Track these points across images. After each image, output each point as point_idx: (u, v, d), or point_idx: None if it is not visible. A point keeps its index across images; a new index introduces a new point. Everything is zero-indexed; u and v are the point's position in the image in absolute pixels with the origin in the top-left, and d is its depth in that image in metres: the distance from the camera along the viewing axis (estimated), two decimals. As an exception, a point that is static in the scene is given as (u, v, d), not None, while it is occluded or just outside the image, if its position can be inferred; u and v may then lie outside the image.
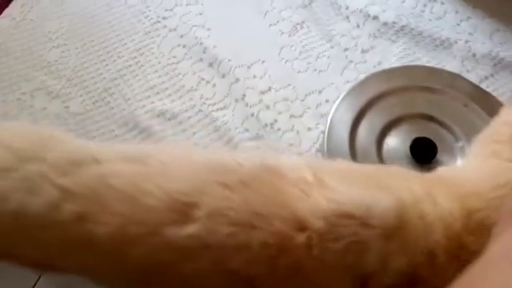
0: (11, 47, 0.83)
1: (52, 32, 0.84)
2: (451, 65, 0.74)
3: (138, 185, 0.39)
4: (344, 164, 0.48)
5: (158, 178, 0.39)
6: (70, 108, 0.76)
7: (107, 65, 0.80)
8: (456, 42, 0.75)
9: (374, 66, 0.75)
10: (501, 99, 0.69)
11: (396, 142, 0.68)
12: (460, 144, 0.66)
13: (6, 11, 0.88)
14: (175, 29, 0.82)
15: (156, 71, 0.79)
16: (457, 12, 0.79)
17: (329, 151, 0.67)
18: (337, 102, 0.71)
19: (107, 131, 0.74)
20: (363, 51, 0.77)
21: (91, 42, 0.83)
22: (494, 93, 0.70)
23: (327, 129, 0.69)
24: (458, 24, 0.77)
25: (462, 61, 0.74)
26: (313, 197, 0.38)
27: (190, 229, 0.37)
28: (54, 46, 0.83)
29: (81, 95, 0.77)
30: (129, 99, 0.76)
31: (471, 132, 0.67)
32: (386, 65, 0.75)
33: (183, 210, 0.37)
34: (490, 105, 0.68)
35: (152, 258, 0.38)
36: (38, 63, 0.81)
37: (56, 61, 0.81)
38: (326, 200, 0.38)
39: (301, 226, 0.37)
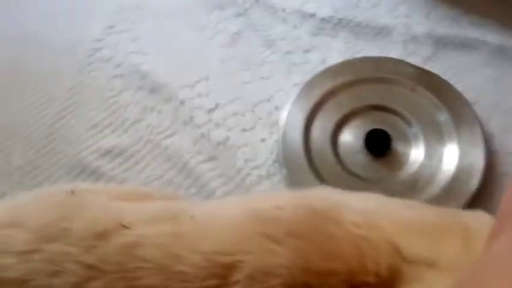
0: None
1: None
2: (393, 51, 0.72)
3: (170, 251, 0.34)
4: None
5: (191, 239, 0.35)
6: (12, 163, 0.71)
7: (42, 111, 0.75)
8: (395, 27, 0.74)
9: (318, 65, 0.73)
10: (446, 77, 0.69)
11: (350, 137, 0.66)
12: (413, 130, 0.65)
13: None
14: (109, 59, 0.78)
15: (96, 107, 0.74)
16: (391, -4, 0.77)
17: (285, 159, 0.65)
18: (287, 107, 0.69)
19: (54, 180, 0.69)
20: (305, 51, 0.74)
21: (22, 91, 0.77)
22: (439, 72, 0.69)
23: (280, 137, 0.67)
24: (394, 9, 0.76)
25: (403, 45, 0.72)
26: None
27: None
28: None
29: (21, 147, 0.72)
30: (72, 142, 0.72)
31: (422, 116, 0.66)
32: (331, 62, 0.73)
33: (222, 274, 0.33)
34: (436, 86, 0.67)
35: None
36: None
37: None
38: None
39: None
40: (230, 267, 0.33)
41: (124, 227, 0.36)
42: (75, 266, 0.35)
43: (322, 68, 0.72)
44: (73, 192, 0.42)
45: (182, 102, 0.72)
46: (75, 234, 0.36)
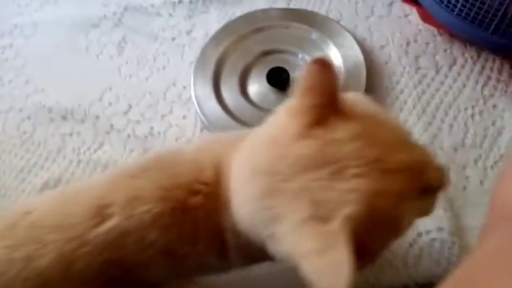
0: None
1: None
2: (258, 5, 0.81)
3: (61, 213, 0.43)
4: None
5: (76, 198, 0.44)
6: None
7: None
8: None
9: (204, 39, 0.79)
10: (309, 8, 0.79)
11: (256, 85, 0.73)
12: (300, 56, 0.74)
13: None
14: (11, 109, 0.77)
15: (15, 154, 0.73)
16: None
17: (211, 125, 0.70)
18: (192, 83, 0.74)
19: None
20: (188, 32, 0.80)
21: None
22: (303, 7, 0.79)
23: (196, 107, 0.72)
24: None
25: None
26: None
27: (109, 223, 0.40)
28: None
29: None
30: (5, 193, 0.70)
31: (302, 44, 0.75)
32: (212, 32, 0.79)
33: (100, 212, 0.41)
34: (303, 17, 0.77)
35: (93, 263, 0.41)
36: None
37: None
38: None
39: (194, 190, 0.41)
40: (105, 206, 0.41)
41: (27, 213, 0.44)
42: (2, 251, 0.43)
43: (207, 40, 0.78)
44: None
45: (97, 117, 0.74)
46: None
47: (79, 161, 0.71)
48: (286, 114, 0.37)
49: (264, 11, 0.79)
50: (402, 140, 0.36)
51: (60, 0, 0.87)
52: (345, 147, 0.33)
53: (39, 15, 0.86)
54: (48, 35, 0.83)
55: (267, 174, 0.35)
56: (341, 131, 0.34)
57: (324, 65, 0.35)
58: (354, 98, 0.39)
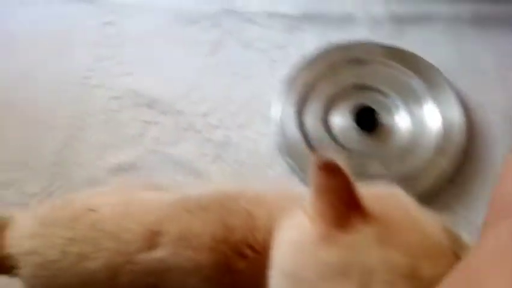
0: None
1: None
2: (360, 34, 0.78)
3: (119, 225, 0.44)
4: None
5: (137, 214, 0.45)
6: (27, 192, 0.72)
7: (48, 139, 0.76)
8: (357, 13, 0.80)
9: (297, 58, 0.78)
10: (411, 49, 0.75)
11: (339, 118, 0.71)
12: (393, 101, 0.71)
13: None
14: (101, 85, 0.80)
15: (98, 129, 0.76)
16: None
17: (286, 147, 0.70)
18: (277, 101, 0.74)
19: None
20: (282, 48, 0.80)
21: (24, 122, 0.78)
22: (404, 46, 0.76)
23: (278, 129, 0.71)
24: (354, -2, 0.83)
25: (369, 29, 0.79)
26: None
27: (158, 253, 0.41)
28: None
29: (32, 178, 0.74)
30: (82, 164, 0.74)
31: (398, 87, 0.72)
32: (306, 53, 0.78)
33: (151, 237, 0.42)
34: (404, 58, 0.74)
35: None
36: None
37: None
38: None
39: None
40: (159, 233, 0.42)
41: (91, 210, 0.46)
42: (60, 239, 0.45)
43: (300, 60, 0.77)
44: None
45: (179, 112, 0.76)
46: (62, 219, 0.47)
47: (155, 152, 0.74)
48: (307, 218, 0.35)
49: (366, 44, 0.76)
50: (434, 246, 0.33)
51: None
52: (372, 254, 0.31)
53: (145, -1, 0.88)
54: (149, 20, 0.86)
55: (294, 278, 0.34)
56: (365, 235, 0.32)
57: (331, 170, 0.32)
58: (383, 192, 0.36)
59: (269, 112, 0.74)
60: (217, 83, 0.78)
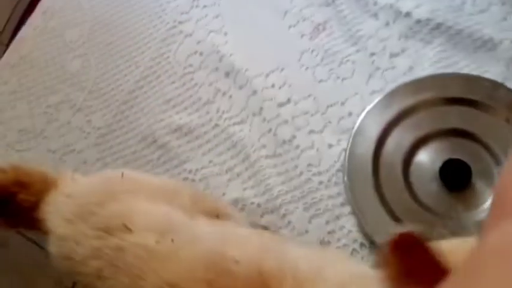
0: (35, 58, 0.81)
1: (73, 41, 0.81)
2: (494, 70, 0.62)
3: (141, 269, 0.40)
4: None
5: (159, 264, 0.41)
6: (91, 122, 0.74)
7: (125, 75, 0.76)
8: (501, 42, 0.63)
9: (404, 73, 0.65)
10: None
11: (425, 162, 0.60)
12: (500, 167, 0.57)
13: (29, 20, 0.86)
14: (191, 35, 0.76)
15: (173, 82, 0.73)
16: (503, 3, 0.65)
17: (350, 171, 0.61)
18: (361, 116, 0.63)
19: (126, 147, 0.71)
20: (392, 55, 0.66)
21: (110, 51, 0.78)
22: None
23: (349, 147, 0.62)
24: (504, 19, 0.64)
25: (507, 66, 0.62)
26: None
27: None
28: (75, 56, 0.80)
29: (101, 109, 0.75)
30: (147, 113, 0.72)
31: (501, 139, 0.57)
32: (418, 71, 0.64)
33: None
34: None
35: None
36: (62, 74, 0.79)
37: (78, 71, 0.78)
38: None
39: None
40: (206, 282, 0.38)
41: (127, 228, 0.42)
42: (87, 243, 0.44)
43: (407, 77, 0.64)
44: (122, 175, 0.51)
45: (254, 92, 0.69)
46: (97, 219, 0.44)
47: (216, 125, 0.69)
48: None
49: (492, 84, 0.60)
50: None
51: None
52: None
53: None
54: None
55: None
56: None
57: (408, 244, 0.28)
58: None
59: (347, 124, 0.64)
60: (305, 72, 0.69)
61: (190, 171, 0.68)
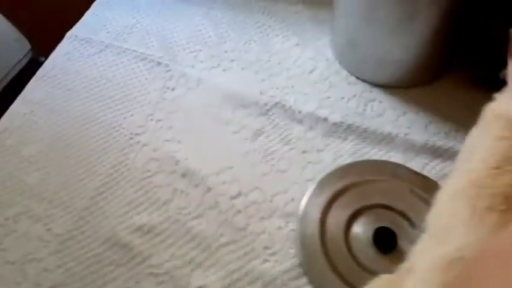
0: (-10, 175, 0.83)
1: (32, 155, 0.85)
2: (395, 156, 0.79)
3: None
4: None
5: None
6: (52, 230, 0.75)
7: (85, 183, 0.80)
8: (397, 136, 0.81)
9: (330, 164, 0.79)
10: (440, 182, 0.74)
11: (360, 233, 0.70)
12: (417, 230, 0.70)
13: (-15, 140, 0.88)
14: (147, 144, 0.84)
15: (132, 186, 0.79)
16: (394, 108, 0.85)
17: (302, 248, 0.69)
18: (303, 201, 0.74)
19: (88, 250, 0.73)
20: (319, 151, 0.81)
21: (68, 162, 0.83)
22: (434, 178, 0.75)
23: (298, 227, 0.71)
24: (396, 120, 0.84)
25: (404, 152, 0.79)
26: None
27: None
28: (34, 170, 0.83)
29: (61, 216, 0.77)
30: (108, 216, 0.76)
31: (422, 216, 0.71)
32: (340, 161, 0.79)
33: None
34: (431, 189, 0.72)
35: None
36: (20, 187, 0.80)
37: (37, 184, 0.81)
38: None
39: None
40: None
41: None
42: None
43: (333, 166, 0.78)
44: None
45: (209, 189, 0.77)
46: None
47: (176, 220, 0.75)
48: None
49: (395, 165, 0.77)
50: None
51: (229, 69, 0.94)
52: None
53: (207, 74, 0.93)
54: (206, 95, 0.90)
55: None
56: None
57: None
58: None
59: (291, 208, 0.75)
60: (250, 168, 0.80)
61: (153, 266, 0.70)
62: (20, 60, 1.25)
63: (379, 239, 0.68)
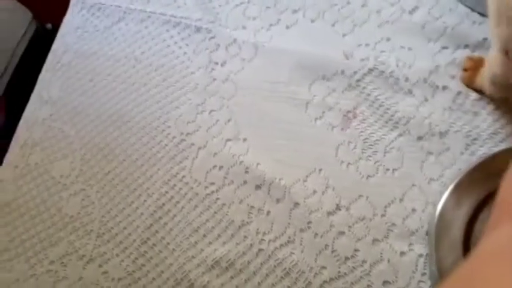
0: (22, 204, 0.68)
1: (64, 176, 0.68)
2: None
3: None
4: None
5: None
6: (109, 274, 0.61)
7: (137, 208, 0.64)
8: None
9: (461, 153, 0.57)
10: None
11: None
12: None
13: (6, 158, 0.72)
14: (204, 146, 0.65)
15: (196, 206, 0.62)
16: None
17: (441, 280, 0.51)
18: (435, 211, 0.54)
19: (159, 297, 0.59)
20: (442, 134, 0.58)
21: (111, 181, 0.66)
22: None
23: (430, 250, 0.53)
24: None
25: None
26: None
27: None
28: (71, 194, 0.67)
29: (117, 254, 0.62)
30: (174, 250, 0.60)
31: None
32: (475, 149, 0.56)
33: None
34: None
35: None
36: (59, 219, 0.66)
37: (78, 213, 0.65)
38: None
39: None
40: None
41: None
42: None
43: (468, 157, 0.56)
44: None
45: (296, 204, 0.59)
46: None
47: (260, 250, 0.58)
48: None
49: None
50: None
51: (295, 25, 0.69)
52: None
53: (265, 36, 0.69)
54: (269, 67, 0.67)
55: None
56: None
57: None
58: None
59: (415, 225, 0.55)
60: (347, 169, 0.60)
61: (243, 315, 0.56)
62: (25, 33, 1.04)
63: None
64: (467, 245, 0.51)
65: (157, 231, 0.62)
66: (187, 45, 0.71)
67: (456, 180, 0.54)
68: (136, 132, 0.68)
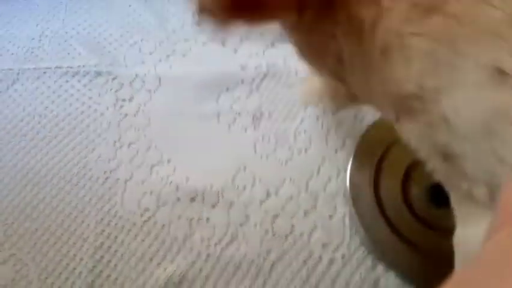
0: None
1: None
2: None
3: None
4: None
5: None
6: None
7: (74, 255, 0.63)
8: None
9: (354, 124, 0.67)
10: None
11: (417, 190, 0.61)
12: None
13: None
14: (131, 178, 0.67)
15: (136, 235, 0.63)
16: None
17: (365, 227, 0.59)
18: (347, 174, 0.63)
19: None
20: (335, 113, 0.69)
21: (41, 238, 0.64)
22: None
23: (350, 206, 0.61)
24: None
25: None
26: None
27: None
28: (2, 261, 0.63)
29: (64, 308, 0.60)
30: (123, 283, 0.60)
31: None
32: (362, 117, 0.68)
33: None
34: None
35: None
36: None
37: (13, 280, 0.62)
38: None
39: None
40: None
41: None
42: None
43: (359, 125, 0.67)
44: None
45: (231, 203, 0.64)
46: None
47: (208, 255, 0.61)
48: None
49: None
50: None
51: (189, 51, 0.76)
52: None
53: (164, 67, 0.75)
54: (175, 90, 0.73)
55: None
56: None
57: None
58: None
59: (333, 189, 0.63)
60: (267, 161, 0.67)
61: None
62: None
63: (436, 195, 0.59)
64: (380, 201, 0.60)
65: (101, 271, 0.62)
66: (90, 90, 0.74)
67: (355, 147, 0.64)
68: (57, 184, 0.68)
